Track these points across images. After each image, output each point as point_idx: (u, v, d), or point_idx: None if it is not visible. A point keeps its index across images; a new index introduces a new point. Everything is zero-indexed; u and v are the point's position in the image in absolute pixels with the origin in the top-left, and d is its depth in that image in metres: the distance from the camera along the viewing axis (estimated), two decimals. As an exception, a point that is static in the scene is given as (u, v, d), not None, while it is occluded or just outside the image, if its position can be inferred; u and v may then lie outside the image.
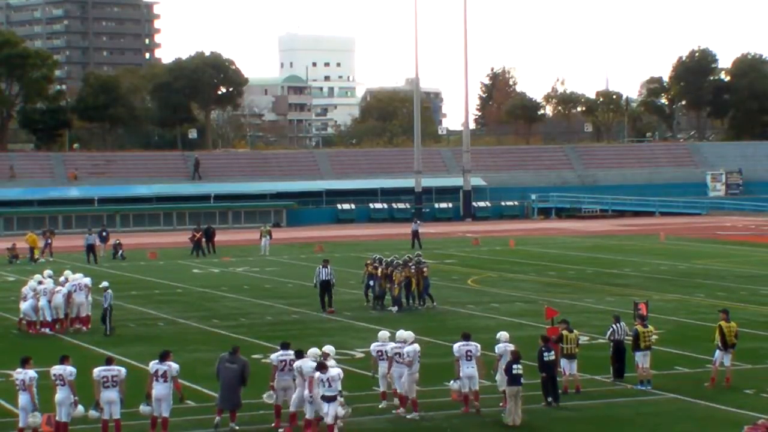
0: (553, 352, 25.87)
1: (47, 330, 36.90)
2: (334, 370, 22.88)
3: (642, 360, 27.20)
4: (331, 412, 22.59)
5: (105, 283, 37.14)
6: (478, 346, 25.59)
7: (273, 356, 24.52)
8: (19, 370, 23.21)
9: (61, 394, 22.82)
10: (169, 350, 24.16)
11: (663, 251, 62.37)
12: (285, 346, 24.63)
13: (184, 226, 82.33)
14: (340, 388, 22.78)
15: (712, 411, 25.15)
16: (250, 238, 71.35)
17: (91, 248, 61.84)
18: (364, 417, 24.69)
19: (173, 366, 23.48)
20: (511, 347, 25.40)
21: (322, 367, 22.96)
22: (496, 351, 25.54)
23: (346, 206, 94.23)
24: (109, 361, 23.51)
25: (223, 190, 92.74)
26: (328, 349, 24.25)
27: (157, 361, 23.58)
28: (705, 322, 36.08)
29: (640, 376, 27.18)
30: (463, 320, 37.69)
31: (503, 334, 25.92)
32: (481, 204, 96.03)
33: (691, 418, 24.63)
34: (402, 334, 25.52)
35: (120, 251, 63.47)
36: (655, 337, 29.84)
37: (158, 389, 23.31)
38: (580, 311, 39.26)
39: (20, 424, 23.01)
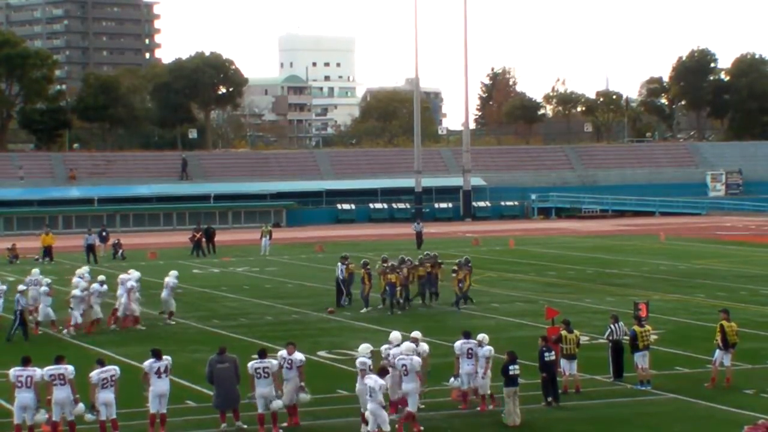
0: (553, 352, 25.87)
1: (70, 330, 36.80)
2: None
3: (641, 360, 27.21)
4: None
5: (22, 287, 37.02)
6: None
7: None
8: (19, 368, 23.06)
9: (62, 393, 22.75)
10: (159, 347, 24.22)
11: (663, 251, 62.37)
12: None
13: (184, 226, 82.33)
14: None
15: (712, 411, 25.16)
16: (250, 238, 71.35)
17: (90, 248, 61.87)
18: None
19: (169, 359, 23.77)
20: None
21: (384, 371, 23.01)
22: (482, 354, 25.24)
23: (346, 206, 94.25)
24: (101, 362, 23.46)
25: (223, 190, 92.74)
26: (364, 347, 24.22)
27: (153, 360, 23.64)
28: (705, 322, 36.10)
29: (640, 376, 27.19)
30: (463, 320, 37.69)
31: (486, 337, 25.81)
32: (481, 204, 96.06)
33: (691, 418, 24.64)
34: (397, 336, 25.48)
35: (120, 251, 63.50)
36: (654, 337, 29.85)
37: (160, 385, 23.43)
38: (580, 311, 39.26)
39: (16, 421, 22.82)
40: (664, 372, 28.68)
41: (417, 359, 23.76)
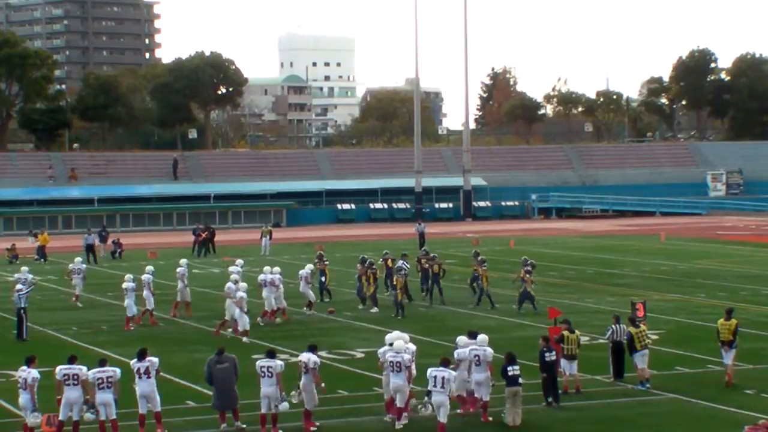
0: (554, 353, 25.84)
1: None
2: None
3: (640, 361, 27.18)
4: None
5: (19, 285, 36.96)
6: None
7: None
8: (23, 368, 23.19)
9: (73, 393, 22.81)
10: (146, 347, 24.22)
11: (663, 251, 62.35)
12: (311, 348, 24.69)
13: (184, 226, 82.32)
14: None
15: (712, 411, 25.14)
16: (250, 238, 71.31)
17: (90, 248, 61.87)
18: (364, 417, 24.68)
19: (154, 360, 23.70)
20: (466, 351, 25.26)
21: (446, 362, 23.58)
22: (457, 356, 25.04)
23: (346, 206, 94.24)
24: (102, 363, 23.51)
25: (223, 190, 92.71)
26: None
27: (135, 360, 23.67)
28: (705, 322, 36.10)
29: (640, 376, 27.17)
30: (463, 320, 37.68)
31: (462, 339, 25.71)
32: (482, 204, 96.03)
33: (691, 418, 24.62)
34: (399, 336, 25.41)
35: (119, 250, 63.45)
36: (654, 336, 29.82)
37: (142, 386, 23.42)
38: (581, 311, 39.24)
39: (27, 422, 22.98)
40: (664, 372, 28.65)
41: (489, 350, 24.55)
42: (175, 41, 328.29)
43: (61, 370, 23.01)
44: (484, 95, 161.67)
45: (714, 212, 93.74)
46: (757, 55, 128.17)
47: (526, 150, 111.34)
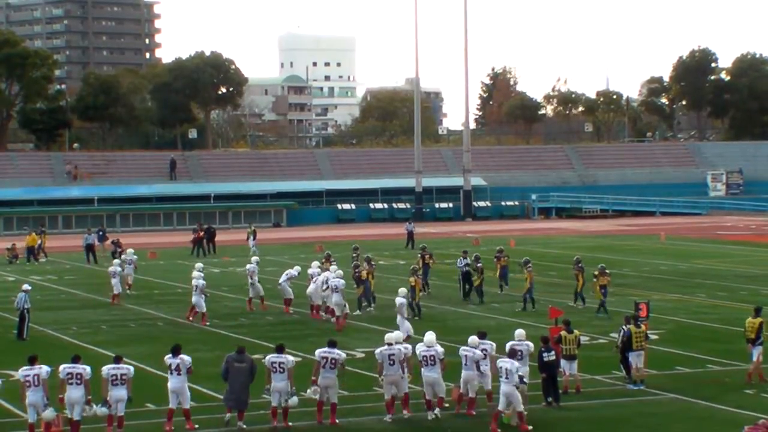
0: (553, 353, 25.85)
1: None
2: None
3: (635, 360, 27.18)
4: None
5: (26, 286, 36.94)
6: (494, 345, 25.79)
7: (317, 352, 24.82)
8: (26, 367, 23.19)
9: (76, 392, 22.86)
10: (179, 344, 24.58)
11: (663, 251, 62.36)
12: (332, 344, 24.86)
13: (184, 226, 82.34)
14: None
15: (712, 411, 25.14)
16: (251, 238, 71.20)
17: (90, 248, 61.87)
18: (364, 417, 24.69)
19: (186, 358, 23.97)
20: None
21: (514, 353, 24.54)
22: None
23: (346, 206, 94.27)
24: (117, 360, 23.70)
25: (223, 190, 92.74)
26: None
27: (170, 355, 24.01)
28: (705, 322, 36.12)
29: (637, 376, 27.17)
30: (463, 320, 37.69)
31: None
32: (482, 204, 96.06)
33: (691, 418, 24.62)
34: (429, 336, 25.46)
35: (119, 250, 63.41)
36: (654, 337, 29.78)
37: (171, 382, 23.76)
38: (581, 311, 39.27)
39: (30, 420, 22.94)
40: (664, 372, 28.65)
41: (530, 344, 25.53)
42: (175, 41, 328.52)
43: (64, 368, 23.09)
44: (484, 95, 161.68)
45: (714, 212, 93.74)
46: (757, 55, 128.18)
47: (526, 150, 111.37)
